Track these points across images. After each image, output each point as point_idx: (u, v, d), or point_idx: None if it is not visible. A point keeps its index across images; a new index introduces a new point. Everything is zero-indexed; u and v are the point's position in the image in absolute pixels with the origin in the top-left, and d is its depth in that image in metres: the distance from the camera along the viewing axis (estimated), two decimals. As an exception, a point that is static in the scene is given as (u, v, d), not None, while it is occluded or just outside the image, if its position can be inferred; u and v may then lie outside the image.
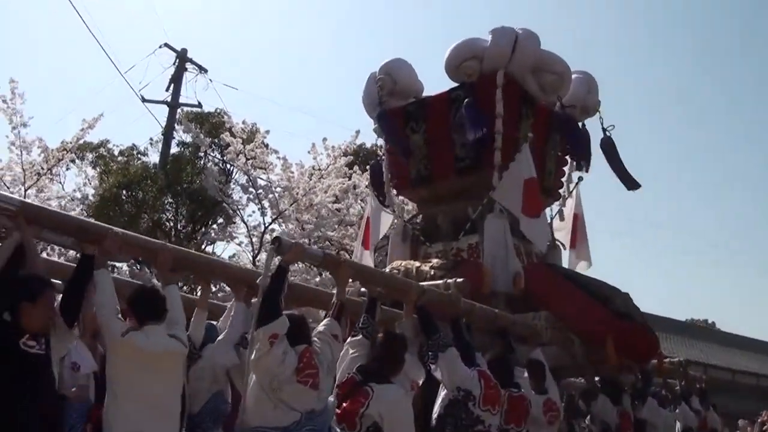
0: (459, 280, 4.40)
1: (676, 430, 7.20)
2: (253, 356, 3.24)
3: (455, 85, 7.25)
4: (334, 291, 3.76)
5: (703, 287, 64.11)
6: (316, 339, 3.36)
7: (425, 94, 7.97)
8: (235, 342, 3.76)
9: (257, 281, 3.48)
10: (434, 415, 3.91)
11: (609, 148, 7.50)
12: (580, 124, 7.87)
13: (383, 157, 8.11)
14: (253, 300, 3.82)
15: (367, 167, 15.73)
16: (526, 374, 4.45)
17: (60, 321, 3.04)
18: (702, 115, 68.32)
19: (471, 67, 6.92)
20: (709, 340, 24.55)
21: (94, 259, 3.22)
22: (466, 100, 6.76)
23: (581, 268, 8.13)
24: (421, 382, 3.82)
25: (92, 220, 3.76)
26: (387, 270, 6.48)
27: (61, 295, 3.17)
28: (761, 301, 60.19)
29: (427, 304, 4.03)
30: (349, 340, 3.61)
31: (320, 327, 3.47)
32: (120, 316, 3.26)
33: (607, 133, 7.59)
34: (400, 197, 8.89)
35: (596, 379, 6.80)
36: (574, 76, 7.65)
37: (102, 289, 3.18)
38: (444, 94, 7.40)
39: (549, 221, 8.18)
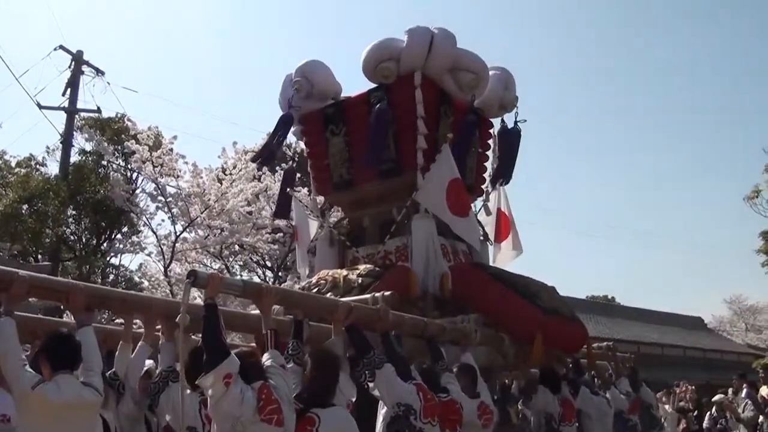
0: (386, 293, 4.41)
1: (610, 415, 7.45)
2: (209, 402, 3.14)
3: (374, 86, 7.29)
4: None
5: (599, 266, 68.66)
6: (270, 372, 3.27)
7: (345, 94, 8.00)
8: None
9: (177, 319, 3.35)
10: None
11: (513, 139, 7.77)
12: (498, 120, 8.14)
13: (296, 161, 8.08)
14: (162, 342, 3.78)
15: (278, 169, 16.00)
16: (455, 380, 4.52)
17: None
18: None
19: (388, 68, 6.97)
20: (613, 315, 25.85)
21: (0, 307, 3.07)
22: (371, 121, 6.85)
23: (509, 258, 8.38)
24: (354, 400, 3.82)
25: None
26: (314, 279, 6.46)
27: None
28: (655, 274, 66.38)
29: (355, 321, 4.02)
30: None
31: (266, 361, 3.37)
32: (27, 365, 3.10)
33: (518, 126, 7.87)
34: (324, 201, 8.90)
35: (533, 371, 6.99)
36: (491, 72, 7.81)
37: (6, 337, 3.01)
38: (363, 95, 7.43)
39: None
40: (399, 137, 7.08)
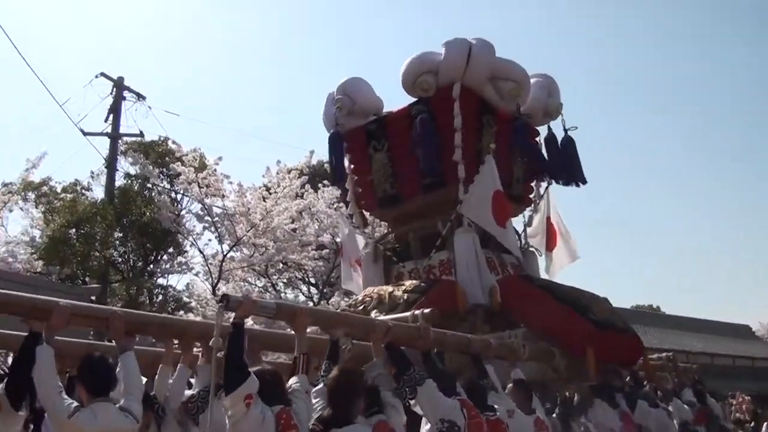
0: (426, 311, 4.42)
1: (672, 427, 7.27)
2: (228, 424, 3.17)
3: (414, 100, 7.37)
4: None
5: (643, 274, 67.90)
6: (293, 396, 3.32)
7: (387, 109, 8.08)
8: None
9: (210, 343, 3.40)
10: None
11: (569, 147, 7.73)
12: (545, 127, 8.11)
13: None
14: (199, 363, 3.84)
15: (321, 186, 16.38)
16: (503, 397, 4.49)
17: (6, 403, 3.00)
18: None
19: (427, 81, 7.05)
20: (660, 325, 25.31)
21: (41, 336, 3.16)
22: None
23: (563, 266, 8.32)
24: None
25: (40, 297, 3.63)
26: (360, 297, 6.54)
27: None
28: (699, 281, 64.52)
29: (395, 340, 4.04)
30: (312, 390, 3.53)
31: (293, 384, 3.42)
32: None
33: (569, 133, 7.82)
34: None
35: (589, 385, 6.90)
36: (533, 80, 7.82)
37: (43, 364, 3.09)
38: (404, 110, 7.52)
39: (523, 228, 8.39)
40: (441, 150, 7.12)
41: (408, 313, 4.56)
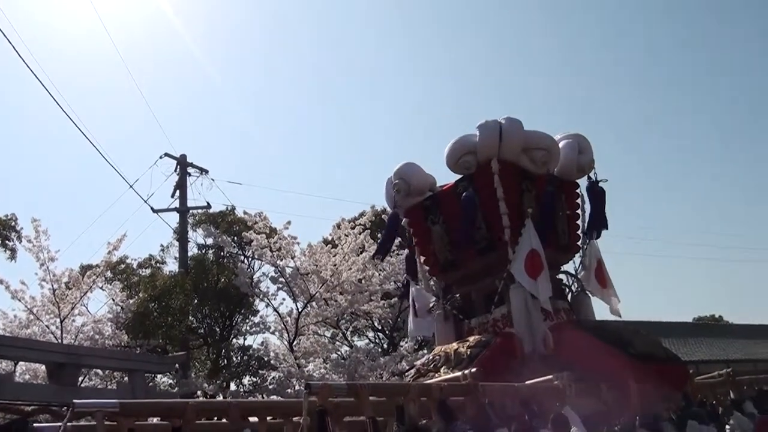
0: (473, 370, 6.26)
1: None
2: None
3: (459, 176, 9.37)
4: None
5: (703, 286, 68.72)
6: None
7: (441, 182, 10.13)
8: None
9: (299, 421, 5.19)
10: None
11: (598, 197, 9.52)
12: (578, 182, 9.94)
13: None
14: None
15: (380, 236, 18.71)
16: None
17: None
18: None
19: (468, 161, 9.03)
20: (723, 335, 26.12)
21: (180, 430, 4.99)
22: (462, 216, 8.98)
23: (616, 303, 9.99)
24: None
25: (172, 399, 5.71)
26: (431, 356, 8.50)
27: None
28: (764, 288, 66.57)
29: (447, 398, 5.82)
30: None
31: None
32: None
33: (599, 186, 9.62)
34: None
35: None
36: (563, 141, 9.71)
37: None
38: (451, 186, 9.53)
39: (575, 273, 10.11)
40: (488, 218, 9.03)
41: (459, 373, 6.47)
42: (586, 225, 10.03)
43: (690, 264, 77.89)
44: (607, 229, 10.04)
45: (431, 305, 10.40)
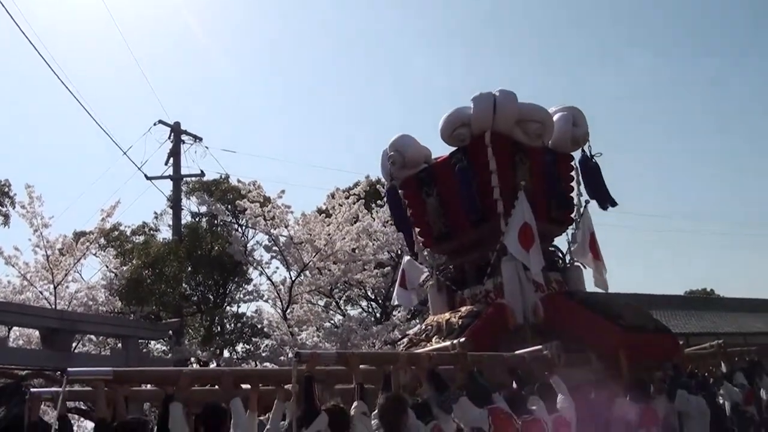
0: (461, 339, 6.41)
1: (707, 413, 8.69)
2: None
3: (454, 149, 9.45)
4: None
5: (695, 260, 70.16)
6: (354, 421, 5.06)
7: (435, 153, 10.22)
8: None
9: (290, 388, 5.25)
10: None
11: (593, 172, 9.62)
12: (573, 154, 10.02)
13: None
14: (285, 403, 5.54)
15: (375, 206, 19.07)
16: (539, 400, 6.35)
17: None
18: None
19: (462, 134, 9.12)
20: (714, 309, 26.62)
21: (173, 396, 4.96)
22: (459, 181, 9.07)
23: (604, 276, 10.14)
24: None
25: (166, 368, 5.78)
26: (423, 326, 8.67)
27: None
28: (756, 262, 70.38)
29: (437, 367, 5.92)
30: (373, 416, 5.25)
31: (353, 410, 5.02)
32: None
33: (594, 160, 9.71)
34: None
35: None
36: (558, 114, 9.79)
37: (174, 416, 4.75)
38: (446, 158, 9.63)
39: (568, 246, 10.24)
40: (482, 190, 9.13)
41: (448, 343, 6.63)
42: (583, 197, 10.11)
43: (683, 238, 79.81)
44: (615, 205, 10.06)
45: (423, 278, 10.55)
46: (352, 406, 5.21)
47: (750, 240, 74.24)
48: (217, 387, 5.66)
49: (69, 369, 5.01)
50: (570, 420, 6.37)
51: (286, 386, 5.35)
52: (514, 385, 6.53)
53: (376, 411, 5.33)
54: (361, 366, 5.69)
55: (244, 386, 5.72)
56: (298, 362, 5.28)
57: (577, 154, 10.14)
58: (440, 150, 10.09)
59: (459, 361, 6.19)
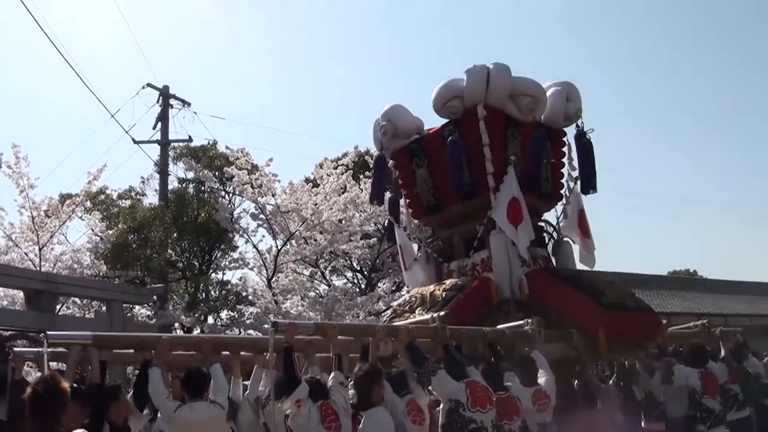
0: (441, 313, 6.53)
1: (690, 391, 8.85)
2: (289, 417, 5.05)
3: (446, 120, 9.52)
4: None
5: (679, 241, 70.92)
6: (332, 391, 5.10)
7: (428, 124, 10.27)
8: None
9: (266, 357, 5.48)
10: (439, 423, 5.85)
11: (586, 150, 9.72)
12: (566, 130, 10.10)
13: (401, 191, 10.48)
14: (264, 371, 5.76)
15: (363, 178, 19.06)
16: (514, 376, 6.50)
17: (135, 409, 5.10)
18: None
19: (454, 106, 9.19)
20: (697, 289, 27.02)
21: (152, 361, 5.22)
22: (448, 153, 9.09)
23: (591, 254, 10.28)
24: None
25: (148, 333, 5.93)
26: (407, 297, 8.80)
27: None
28: (738, 244, 71.14)
29: (415, 340, 6.07)
30: (350, 387, 5.41)
31: (330, 380, 5.24)
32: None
33: (588, 137, 9.79)
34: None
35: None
36: (552, 89, 9.87)
37: (154, 380, 5.06)
38: (438, 130, 9.71)
39: (557, 221, 10.35)
40: (472, 163, 9.22)
41: (428, 316, 6.75)
42: (576, 177, 10.20)
43: (668, 218, 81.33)
44: (595, 191, 10.14)
45: (416, 256, 10.65)
46: (330, 377, 5.40)
47: (734, 222, 75.43)
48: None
49: (49, 332, 5.17)
50: (549, 393, 6.58)
51: (267, 354, 5.52)
52: (492, 359, 6.68)
53: (351, 381, 5.52)
54: (339, 337, 5.85)
55: (223, 353, 5.92)
56: (275, 331, 5.44)
57: (571, 131, 10.24)
58: (433, 121, 10.17)
59: (437, 335, 6.32)
